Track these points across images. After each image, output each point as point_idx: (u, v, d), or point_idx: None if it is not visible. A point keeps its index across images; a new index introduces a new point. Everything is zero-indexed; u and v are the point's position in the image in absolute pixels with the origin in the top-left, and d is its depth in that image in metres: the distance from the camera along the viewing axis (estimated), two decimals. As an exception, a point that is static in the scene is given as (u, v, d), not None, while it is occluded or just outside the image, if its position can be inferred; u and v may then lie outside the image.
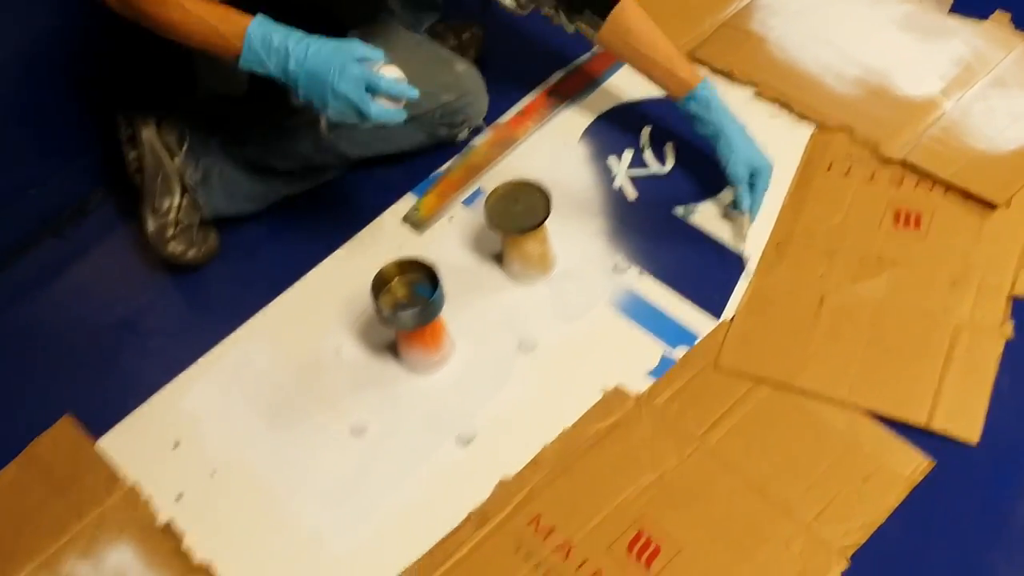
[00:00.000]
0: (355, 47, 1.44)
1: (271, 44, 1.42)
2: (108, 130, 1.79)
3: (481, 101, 1.83)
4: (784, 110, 1.81)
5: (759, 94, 1.84)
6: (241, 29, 1.41)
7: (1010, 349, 1.47)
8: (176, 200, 1.73)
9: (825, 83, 1.82)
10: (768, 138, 1.76)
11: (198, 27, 1.43)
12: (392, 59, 1.48)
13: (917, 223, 1.62)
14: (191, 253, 1.74)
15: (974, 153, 1.67)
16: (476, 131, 1.86)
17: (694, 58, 1.91)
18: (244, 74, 1.48)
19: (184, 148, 1.73)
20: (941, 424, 1.41)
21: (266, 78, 1.46)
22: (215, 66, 1.61)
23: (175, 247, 1.72)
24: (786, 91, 1.82)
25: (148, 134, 1.74)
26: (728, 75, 1.87)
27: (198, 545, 1.43)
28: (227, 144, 1.75)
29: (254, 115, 1.70)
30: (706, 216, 1.71)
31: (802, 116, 1.79)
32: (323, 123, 1.67)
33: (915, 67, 1.81)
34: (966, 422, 1.41)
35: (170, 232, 1.72)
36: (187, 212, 1.74)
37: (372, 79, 1.43)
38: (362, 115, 1.44)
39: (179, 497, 1.49)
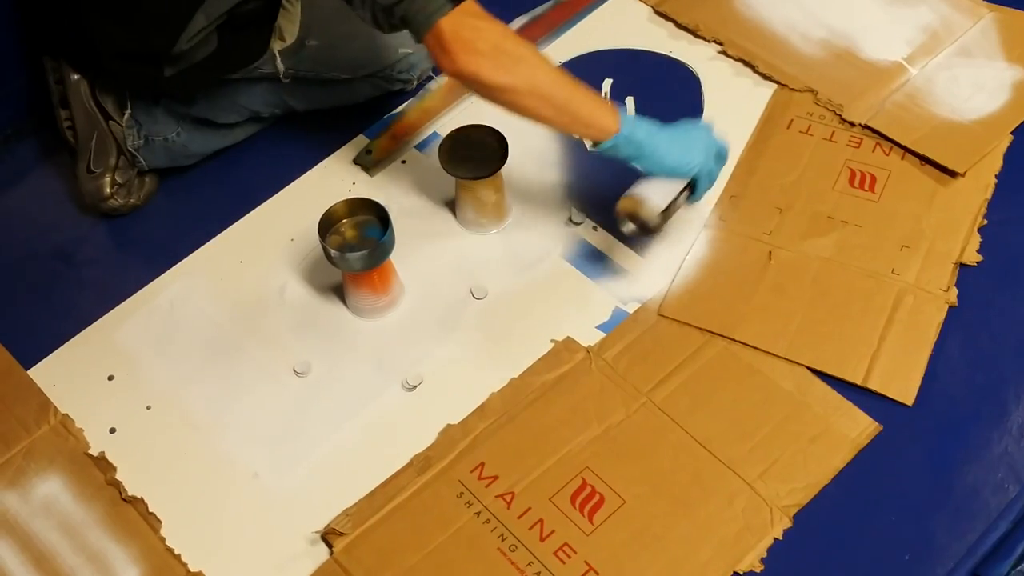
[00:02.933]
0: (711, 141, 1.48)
1: (636, 140, 1.42)
2: (33, 61, 1.72)
3: None
4: (748, 68, 1.79)
5: (724, 51, 1.82)
6: (609, 131, 1.40)
7: (953, 315, 1.48)
8: (112, 160, 1.66)
9: (791, 43, 1.81)
10: (731, 95, 1.75)
11: (561, 121, 1.42)
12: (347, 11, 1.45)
13: (872, 185, 1.62)
14: (131, 202, 1.69)
15: (937, 121, 1.67)
16: (428, 79, 1.82)
17: (659, 12, 1.89)
18: (214, 37, 1.47)
19: (125, 115, 1.66)
20: (877, 384, 1.41)
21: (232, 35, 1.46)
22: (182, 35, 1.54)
23: (114, 203, 1.68)
24: (751, 50, 1.80)
25: (80, 94, 1.66)
26: (693, 30, 1.85)
27: (130, 480, 1.40)
28: (172, 104, 1.68)
29: (207, 74, 1.63)
30: (664, 171, 1.68)
31: (766, 75, 1.77)
32: (280, 69, 1.64)
33: (882, 32, 1.80)
34: (902, 384, 1.41)
35: (107, 191, 1.66)
36: (124, 171, 1.68)
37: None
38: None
39: (112, 431, 1.45)
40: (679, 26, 1.86)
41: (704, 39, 1.84)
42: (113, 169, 1.66)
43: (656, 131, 1.44)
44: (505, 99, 1.37)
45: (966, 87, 1.71)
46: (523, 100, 1.37)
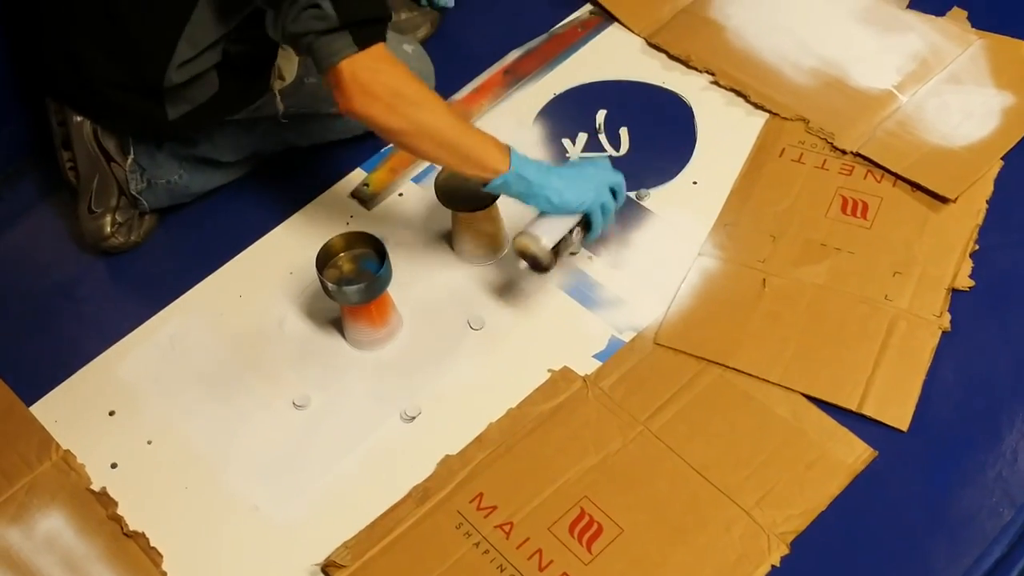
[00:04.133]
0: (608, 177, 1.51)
1: (525, 178, 1.45)
2: (34, 98, 1.74)
3: (431, 79, 1.81)
4: (740, 98, 1.81)
5: (716, 82, 1.84)
6: (499, 169, 1.44)
7: (946, 340, 1.48)
8: (113, 201, 1.68)
9: (782, 73, 1.82)
10: (723, 124, 1.77)
11: (452, 161, 1.45)
12: None
13: (864, 212, 1.63)
14: (131, 239, 1.71)
15: (927, 148, 1.68)
16: None
17: (652, 44, 1.91)
18: (215, 77, 1.50)
19: (128, 160, 1.67)
20: (872, 410, 1.42)
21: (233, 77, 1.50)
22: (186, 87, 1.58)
23: (114, 242, 1.69)
24: (743, 79, 1.82)
25: (84, 136, 1.67)
26: (685, 61, 1.87)
27: (132, 514, 1.40)
28: (175, 147, 1.69)
29: (209, 116, 1.65)
30: (659, 200, 1.70)
31: (758, 105, 1.79)
32: (280, 109, 1.66)
33: (872, 61, 1.82)
34: (897, 409, 1.42)
35: (108, 231, 1.68)
36: (124, 211, 1.69)
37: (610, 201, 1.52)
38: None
39: (113, 466, 1.46)
40: (671, 57, 1.88)
41: (696, 70, 1.86)
42: (114, 209, 1.68)
43: (546, 170, 1.47)
44: (397, 140, 1.44)
45: (956, 114, 1.72)
46: (415, 142, 1.42)
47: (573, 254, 1.61)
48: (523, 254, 1.50)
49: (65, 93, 1.67)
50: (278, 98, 1.66)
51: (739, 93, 1.81)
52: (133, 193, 1.68)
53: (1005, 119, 1.71)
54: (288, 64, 1.65)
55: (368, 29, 1.36)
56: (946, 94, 1.76)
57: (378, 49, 1.38)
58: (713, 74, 1.84)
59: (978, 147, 1.68)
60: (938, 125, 1.71)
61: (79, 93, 1.64)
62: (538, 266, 1.50)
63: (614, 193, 1.52)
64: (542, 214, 1.49)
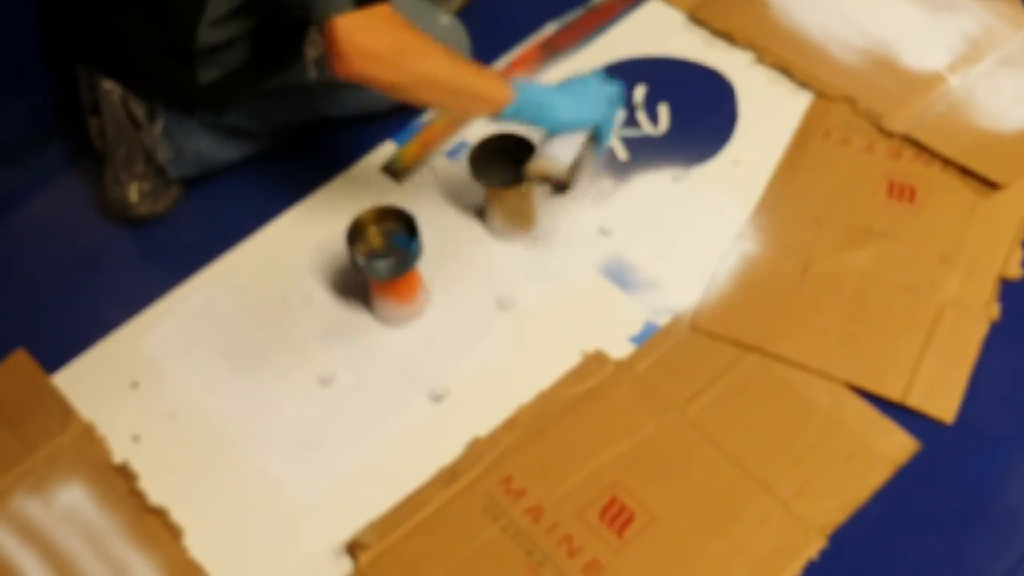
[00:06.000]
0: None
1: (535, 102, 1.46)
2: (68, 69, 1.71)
3: (467, 52, 1.77)
4: (785, 76, 1.76)
5: (760, 59, 1.79)
6: (506, 101, 1.43)
7: (995, 331, 1.44)
8: (140, 169, 1.65)
9: (829, 51, 1.77)
10: (766, 104, 1.73)
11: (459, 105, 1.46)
12: None
13: (912, 197, 1.58)
14: (157, 209, 1.68)
15: (978, 131, 1.64)
16: None
17: (694, 18, 1.86)
18: (247, 42, 1.51)
19: (157, 126, 1.64)
20: (916, 401, 1.38)
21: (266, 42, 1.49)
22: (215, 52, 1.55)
23: (139, 211, 1.67)
24: (788, 57, 1.77)
25: (113, 103, 1.63)
26: (729, 37, 1.82)
27: (153, 488, 1.38)
28: (204, 117, 1.66)
29: (241, 82, 1.62)
30: (698, 181, 1.66)
31: (803, 83, 1.74)
32: (313, 74, 1.63)
33: (922, 40, 1.77)
34: (942, 401, 1.38)
35: (134, 199, 1.66)
36: (151, 179, 1.67)
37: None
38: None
39: (136, 439, 1.44)
40: (714, 32, 1.84)
41: (739, 46, 1.81)
42: (140, 177, 1.65)
43: (551, 90, 1.49)
44: (400, 95, 1.42)
45: (1009, 97, 1.67)
46: (417, 93, 1.41)
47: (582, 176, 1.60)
48: (544, 177, 1.49)
49: (95, 57, 1.64)
50: (312, 66, 1.62)
51: (784, 71, 1.76)
52: (160, 162, 1.65)
53: None
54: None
55: None
56: (999, 76, 1.71)
57: (380, 9, 1.34)
58: (757, 51, 1.80)
59: None
60: (990, 108, 1.66)
61: (109, 57, 1.61)
62: (560, 186, 1.50)
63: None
64: (549, 137, 1.49)
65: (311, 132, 1.75)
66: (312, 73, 1.63)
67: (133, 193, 1.65)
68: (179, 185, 1.71)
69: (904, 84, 1.71)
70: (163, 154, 1.65)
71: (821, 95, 1.72)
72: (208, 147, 1.68)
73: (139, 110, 1.63)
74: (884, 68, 1.74)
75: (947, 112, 1.66)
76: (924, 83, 1.71)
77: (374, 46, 1.34)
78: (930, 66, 1.73)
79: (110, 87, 1.63)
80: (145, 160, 1.65)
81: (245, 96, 1.65)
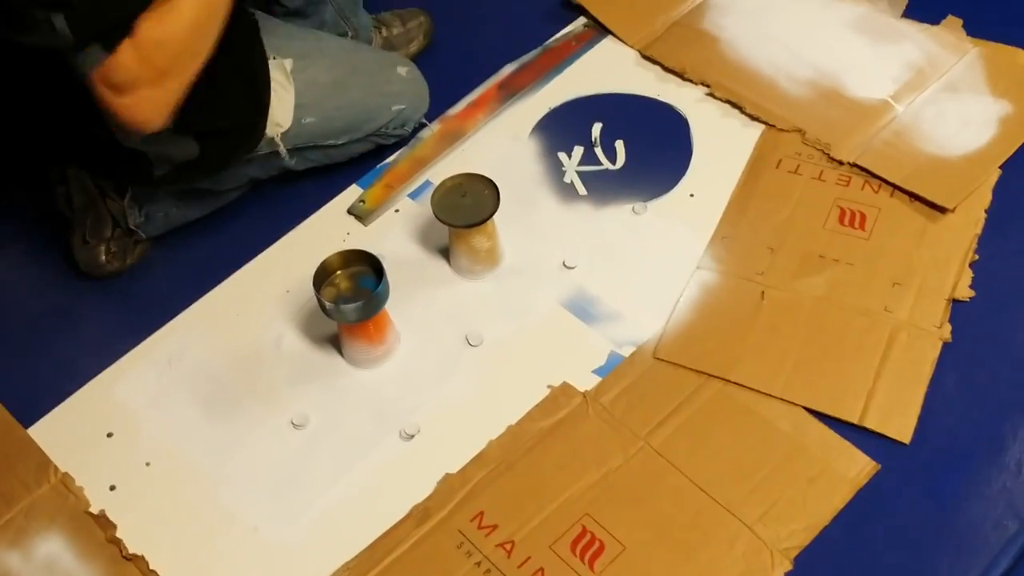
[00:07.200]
0: None
1: None
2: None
3: (424, 103, 1.81)
4: (736, 110, 1.80)
5: (711, 94, 1.83)
6: None
7: (948, 351, 1.48)
8: (107, 232, 1.68)
9: (777, 84, 1.82)
10: (720, 136, 1.77)
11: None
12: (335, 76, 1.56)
13: (862, 223, 1.62)
14: (127, 263, 1.71)
15: (924, 157, 1.68)
16: (419, 127, 1.83)
17: (646, 56, 1.90)
18: (192, 142, 1.50)
19: (126, 198, 1.67)
20: (873, 423, 1.41)
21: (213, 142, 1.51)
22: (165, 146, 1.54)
23: (109, 268, 1.69)
24: (738, 91, 1.82)
25: (80, 174, 1.67)
26: (680, 74, 1.87)
27: (131, 537, 1.39)
28: (175, 189, 1.69)
29: (196, 173, 1.63)
30: (657, 213, 1.69)
31: (754, 117, 1.78)
32: (283, 151, 1.66)
33: (867, 70, 1.81)
34: (899, 422, 1.41)
35: (103, 259, 1.68)
36: (119, 241, 1.69)
37: None
38: None
39: (112, 488, 1.45)
40: (666, 69, 1.88)
41: (691, 82, 1.86)
42: (108, 240, 1.67)
43: None
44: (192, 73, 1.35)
45: (953, 123, 1.72)
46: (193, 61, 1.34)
47: None
48: None
49: (58, 151, 1.67)
50: (280, 145, 1.65)
51: (735, 105, 1.81)
52: (131, 227, 1.68)
53: (1002, 128, 1.71)
54: (284, 111, 1.62)
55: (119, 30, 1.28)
56: (943, 103, 1.75)
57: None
58: (708, 86, 1.84)
59: (975, 156, 1.67)
60: (935, 135, 1.70)
61: (72, 152, 1.63)
62: None
63: None
64: None
65: (276, 179, 1.78)
66: (282, 150, 1.66)
67: (102, 254, 1.67)
68: (146, 240, 1.73)
69: (851, 113, 1.76)
70: (133, 220, 1.67)
71: (772, 126, 1.77)
72: (176, 209, 1.70)
73: (107, 182, 1.66)
74: (831, 99, 1.78)
75: (893, 139, 1.70)
76: (871, 112, 1.75)
77: (144, 70, 1.29)
78: (876, 95, 1.77)
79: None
80: (112, 224, 1.67)
81: (203, 178, 1.66)
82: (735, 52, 1.88)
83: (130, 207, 1.67)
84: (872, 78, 1.80)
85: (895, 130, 1.72)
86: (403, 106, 1.75)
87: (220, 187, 1.71)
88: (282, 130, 1.63)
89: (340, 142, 1.72)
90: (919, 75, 1.80)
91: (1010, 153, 1.68)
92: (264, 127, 1.61)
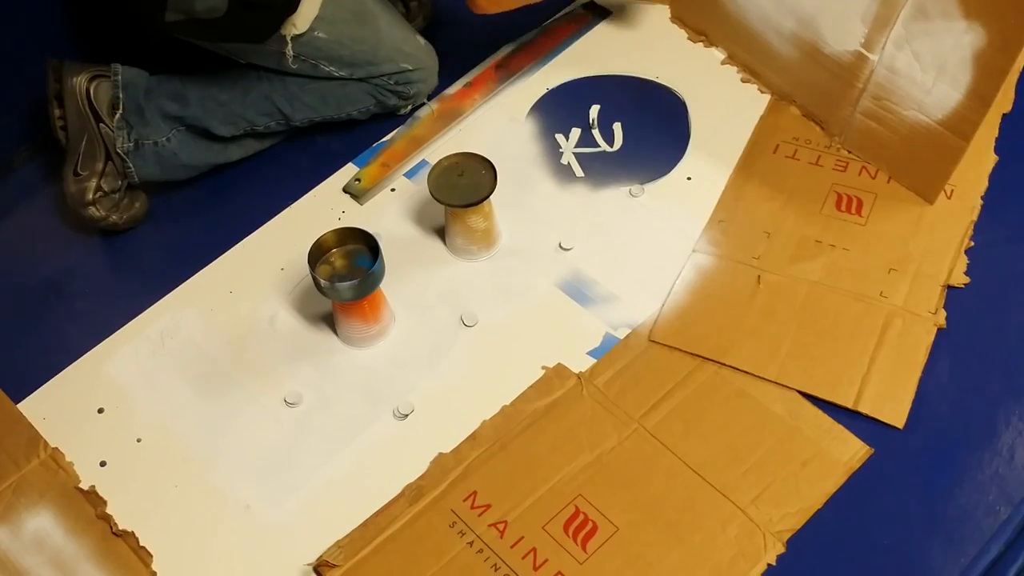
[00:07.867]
0: None
1: None
2: (34, 86, 1.71)
3: (433, 79, 1.82)
4: (735, 93, 1.80)
5: (708, 44, 1.86)
6: None
7: (942, 337, 1.48)
8: (99, 165, 1.67)
9: (770, 43, 1.76)
10: (717, 120, 1.78)
11: None
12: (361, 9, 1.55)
13: (859, 209, 1.62)
14: (113, 218, 1.69)
15: (906, 129, 1.61)
16: (418, 106, 1.83)
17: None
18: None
19: (117, 115, 1.67)
20: (867, 407, 1.42)
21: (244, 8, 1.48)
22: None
23: (95, 211, 1.67)
24: (731, 47, 1.83)
25: (75, 94, 1.66)
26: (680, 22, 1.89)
27: (121, 513, 1.39)
28: (166, 107, 1.69)
29: (206, 35, 1.63)
30: (654, 196, 1.69)
31: (746, 80, 1.80)
32: (289, 53, 1.65)
33: (837, 11, 1.65)
34: (893, 407, 1.42)
35: (90, 196, 1.66)
36: (110, 179, 1.68)
37: None
38: None
39: (103, 464, 1.45)
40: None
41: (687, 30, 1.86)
42: (100, 174, 1.66)
43: None
44: None
45: (928, 69, 1.57)
46: None
47: None
48: None
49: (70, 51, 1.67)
50: (289, 45, 1.64)
51: (729, 62, 1.83)
52: (119, 152, 1.67)
53: (977, 67, 1.52)
54: (307, 10, 1.62)
55: None
56: (915, 40, 1.58)
57: None
58: (705, 36, 1.85)
59: (953, 119, 1.55)
60: (912, 91, 1.59)
61: None
62: None
63: None
64: None
65: (272, 154, 1.77)
66: (288, 51, 1.64)
67: (90, 190, 1.66)
68: (140, 199, 1.72)
69: (832, 75, 1.67)
70: (122, 143, 1.66)
71: (768, 96, 1.77)
72: (168, 141, 1.69)
73: (102, 104, 1.66)
74: (813, 58, 1.69)
75: (873, 107, 1.63)
76: (848, 71, 1.65)
77: None
78: (849, 46, 1.64)
79: (75, 79, 1.65)
80: (105, 157, 1.66)
81: (206, 44, 1.65)
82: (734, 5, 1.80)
83: (119, 127, 1.66)
84: (842, 20, 1.64)
85: (873, 94, 1.64)
86: (411, 67, 1.75)
87: (214, 127, 1.69)
88: (296, 32, 1.63)
89: (340, 73, 1.70)
90: (886, 5, 1.60)
91: (988, 106, 1.53)
92: (287, 16, 1.61)
